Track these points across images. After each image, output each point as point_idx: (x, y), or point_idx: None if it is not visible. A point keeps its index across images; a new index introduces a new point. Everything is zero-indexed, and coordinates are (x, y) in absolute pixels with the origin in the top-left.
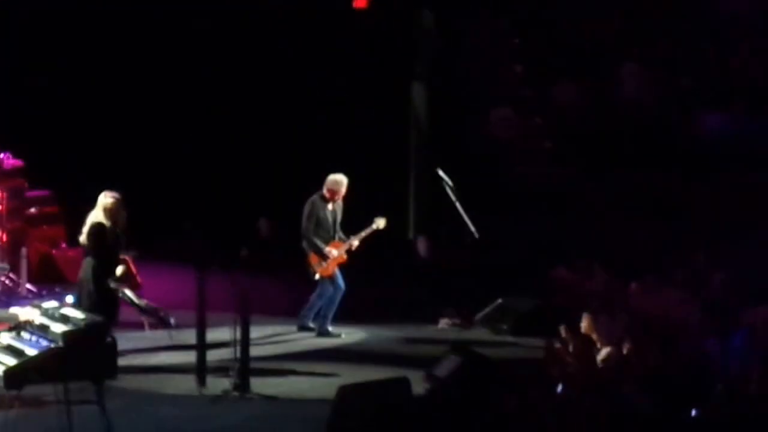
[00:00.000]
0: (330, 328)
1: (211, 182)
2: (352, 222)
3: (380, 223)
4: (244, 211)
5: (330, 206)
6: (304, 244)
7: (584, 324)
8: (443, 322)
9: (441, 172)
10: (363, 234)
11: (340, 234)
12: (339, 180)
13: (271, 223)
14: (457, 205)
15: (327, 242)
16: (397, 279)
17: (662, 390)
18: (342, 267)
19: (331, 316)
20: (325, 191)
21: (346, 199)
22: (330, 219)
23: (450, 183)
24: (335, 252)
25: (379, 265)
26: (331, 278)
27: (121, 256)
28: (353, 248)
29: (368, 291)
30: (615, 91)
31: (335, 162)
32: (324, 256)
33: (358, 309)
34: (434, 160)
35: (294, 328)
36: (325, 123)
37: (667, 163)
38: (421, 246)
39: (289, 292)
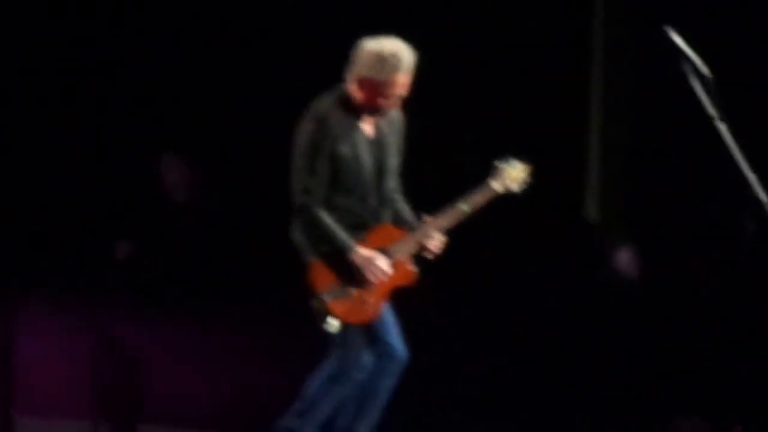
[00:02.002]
0: None
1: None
2: (444, 182)
3: (510, 177)
4: (121, 151)
5: (366, 127)
6: (296, 233)
7: None
8: None
9: (678, 38)
10: (465, 206)
11: (399, 204)
12: (388, 54)
13: (192, 173)
14: (724, 135)
15: (362, 227)
16: (556, 330)
17: None
18: (404, 297)
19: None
20: (351, 86)
21: (417, 117)
22: (369, 162)
23: (704, 69)
24: (382, 262)
25: (512, 293)
26: (370, 331)
27: None
28: (436, 249)
29: (477, 363)
30: None
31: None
32: (348, 271)
33: (450, 409)
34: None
35: None
36: None
37: None
38: (623, 257)
39: (246, 363)
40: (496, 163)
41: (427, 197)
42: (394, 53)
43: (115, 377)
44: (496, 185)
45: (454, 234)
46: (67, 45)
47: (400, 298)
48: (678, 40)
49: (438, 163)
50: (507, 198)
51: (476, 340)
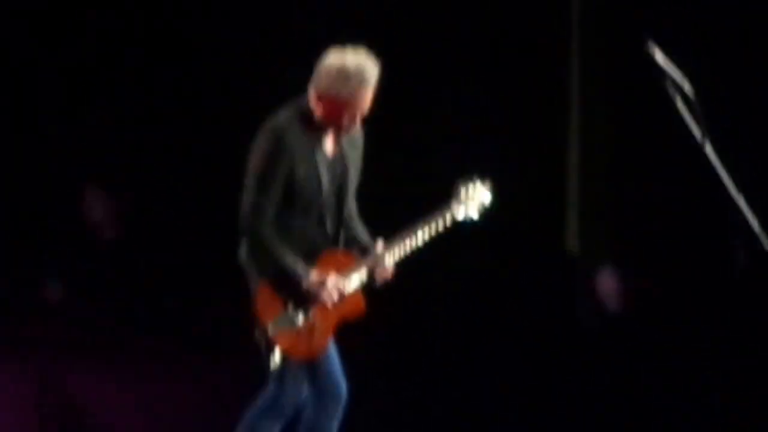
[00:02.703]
0: None
1: None
2: (401, 205)
3: (472, 200)
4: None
5: (327, 145)
6: (243, 255)
7: None
8: None
9: (659, 54)
10: (421, 231)
11: (356, 228)
12: (353, 69)
13: (118, 206)
14: (710, 157)
15: (317, 253)
16: (534, 364)
17: None
18: (350, 330)
19: None
20: (312, 101)
21: (385, 132)
22: (328, 183)
23: (689, 91)
24: (336, 282)
25: (490, 322)
26: (314, 367)
27: None
28: (385, 278)
29: (449, 399)
30: None
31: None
32: (295, 298)
33: None
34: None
35: None
36: None
37: None
38: (606, 285)
39: (192, 408)
40: (459, 183)
41: (390, 217)
42: (358, 68)
43: (59, 427)
44: (456, 209)
45: (426, 260)
46: None
47: (351, 331)
48: (660, 56)
49: (405, 182)
50: (487, 224)
51: (449, 373)
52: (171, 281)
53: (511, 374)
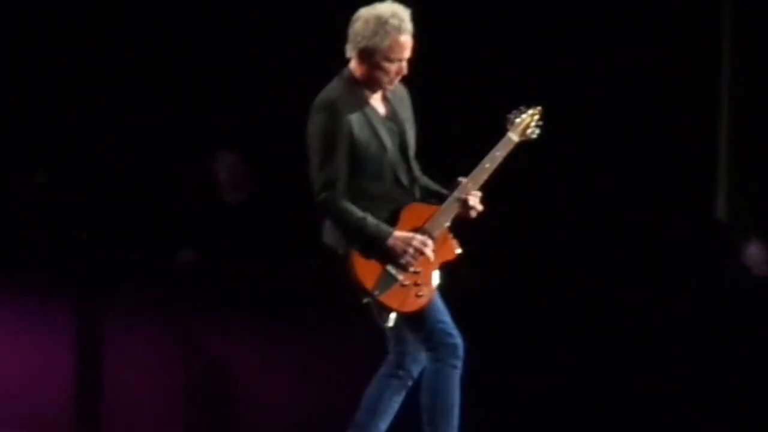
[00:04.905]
0: None
1: None
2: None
3: (526, 125)
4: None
5: (378, 106)
6: (326, 234)
7: None
8: None
9: None
10: (489, 163)
11: (423, 179)
12: (388, 16)
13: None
14: None
15: (393, 211)
16: (684, 327)
17: None
18: (449, 272)
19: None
20: (354, 64)
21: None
22: (390, 141)
23: None
24: (421, 240)
25: (641, 288)
26: (426, 321)
27: None
28: (476, 207)
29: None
30: None
31: None
32: (390, 258)
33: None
34: None
35: None
36: None
37: None
38: (753, 250)
39: (320, 369)
40: (509, 115)
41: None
42: (393, 14)
43: (202, 387)
44: (515, 136)
45: (582, 224)
46: (114, 51)
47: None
48: None
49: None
50: (640, 195)
51: (599, 336)
52: (294, 247)
53: (659, 337)
